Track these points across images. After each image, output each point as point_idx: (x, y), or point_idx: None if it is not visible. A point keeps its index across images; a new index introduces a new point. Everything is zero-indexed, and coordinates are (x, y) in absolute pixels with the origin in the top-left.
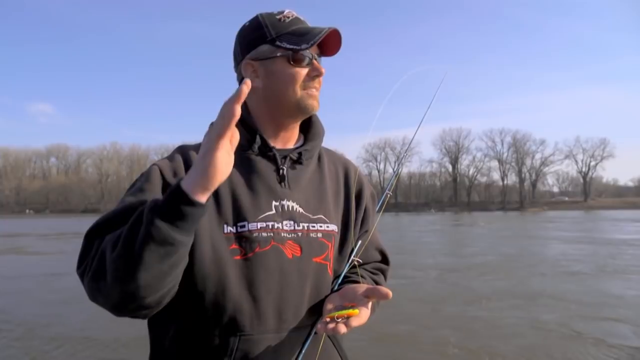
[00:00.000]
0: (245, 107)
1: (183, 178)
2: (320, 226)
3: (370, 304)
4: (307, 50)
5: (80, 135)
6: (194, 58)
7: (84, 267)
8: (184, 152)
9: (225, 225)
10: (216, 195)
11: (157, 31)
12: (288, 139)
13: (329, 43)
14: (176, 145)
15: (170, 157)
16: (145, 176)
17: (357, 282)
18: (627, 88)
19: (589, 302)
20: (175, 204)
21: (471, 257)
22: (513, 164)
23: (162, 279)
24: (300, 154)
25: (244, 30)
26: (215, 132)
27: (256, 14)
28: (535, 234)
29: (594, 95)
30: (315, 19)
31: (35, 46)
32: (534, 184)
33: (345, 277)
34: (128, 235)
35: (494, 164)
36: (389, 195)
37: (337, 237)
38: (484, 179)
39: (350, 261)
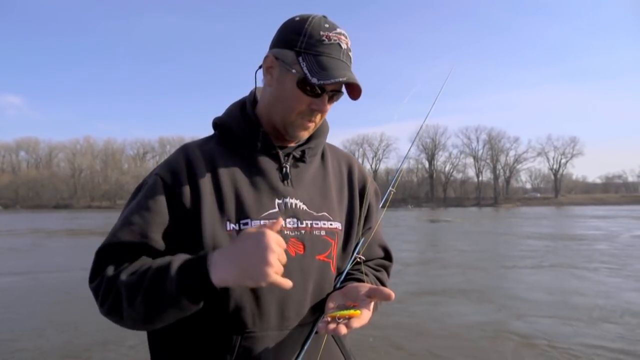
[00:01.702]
0: (252, 101)
1: (217, 266)
2: (324, 224)
3: (372, 304)
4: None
5: (52, 128)
6: (172, 52)
7: (98, 292)
8: (187, 153)
9: (227, 223)
10: (219, 192)
11: (133, 24)
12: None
13: (351, 86)
14: (153, 141)
15: (172, 161)
16: (148, 190)
17: (360, 279)
18: (596, 88)
19: (511, 297)
20: (202, 293)
21: (419, 253)
22: (488, 160)
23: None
24: (303, 151)
25: (289, 24)
26: (264, 269)
27: (310, 16)
28: (498, 230)
29: (565, 94)
30: (280, 17)
31: (3, 37)
32: (507, 181)
33: (348, 274)
34: (148, 297)
35: (470, 160)
36: (392, 192)
37: (341, 235)
38: (459, 176)
39: (353, 258)
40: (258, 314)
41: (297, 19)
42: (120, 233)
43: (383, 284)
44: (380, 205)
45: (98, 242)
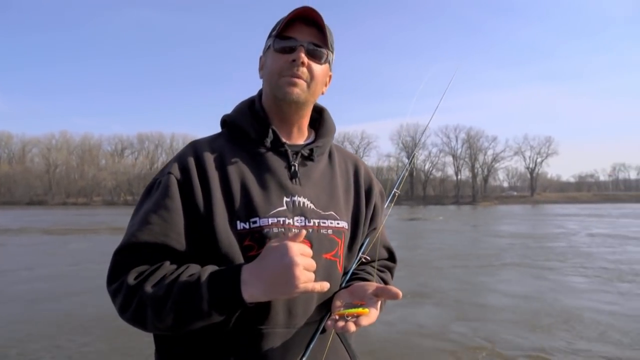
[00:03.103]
0: (259, 100)
1: (247, 283)
2: (331, 222)
3: (379, 303)
4: (293, 39)
5: (25, 123)
6: (150, 48)
7: (117, 297)
8: (197, 149)
9: (238, 222)
10: (228, 190)
11: (111, 19)
12: (299, 135)
13: (312, 25)
14: (131, 137)
15: (183, 158)
16: (164, 189)
17: (365, 279)
18: (568, 89)
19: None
20: (234, 309)
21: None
22: (467, 159)
23: None
24: (311, 150)
25: None
26: (292, 283)
27: None
28: (466, 229)
29: (539, 94)
30: (254, 15)
31: None
32: (485, 179)
33: (353, 273)
34: (178, 310)
35: (449, 159)
36: (397, 194)
37: (347, 234)
38: (439, 174)
39: (358, 258)
40: (266, 311)
41: None
42: (140, 233)
43: (386, 285)
44: (385, 206)
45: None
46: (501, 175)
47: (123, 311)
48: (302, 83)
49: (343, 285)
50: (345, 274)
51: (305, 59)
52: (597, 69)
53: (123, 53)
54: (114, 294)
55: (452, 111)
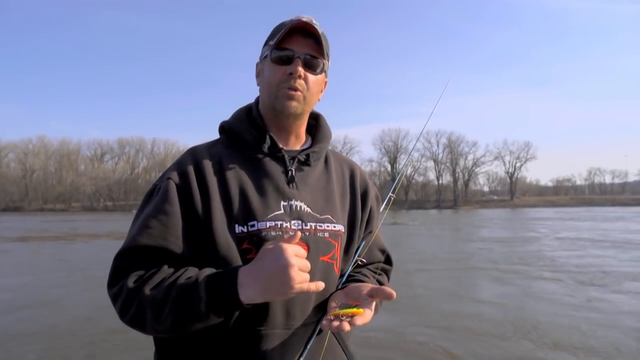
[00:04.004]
0: (256, 107)
1: (244, 285)
2: (328, 226)
3: (373, 303)
4: (290, 50)
5: (1, 127)
6: (130, 52)
7: (117, 301)
8: (196, 155)
9: (236, 225)
10: (227, 194)
11: (88, 21)
12: (296, 141)
13: (309, 36)
14: (111, 141)
15: (182, 164)
16: (163, 194)
17: (361, 281)
18: (545, 94)
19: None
20: (231, 311)
21: None
22: (448, 164)
23: None
24: (308, 155)
25: None
26: (288, 284)
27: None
28: (443, 232)
29: (518, 99)
30: (237, 20)
31: None
32: (466, 184)
33: (349, 276)
34: (176, 313)
35: (430, 164)
36: (392, 198)
37: (344, 237)
38: (420, 179)
39: (354, 261)
40: (264, 312)
41: None
42: (139, 237)
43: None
44: (381, 210)
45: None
46: (482, 179)
47: (123, 314)
48: (299, 95)
49: (339, 287)
50: (341, 276)
51: (302, 72)
52: (572, 74)
53: (102, 58)
54: (114, 298)
55: (433, 116)
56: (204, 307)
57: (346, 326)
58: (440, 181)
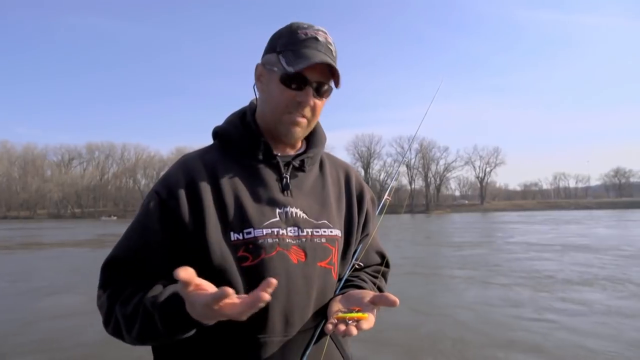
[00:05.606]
0: (251, 110)
1: (192, 306)
2: (324, 231)
3: (375, 310)
4: (303, 76)
5: None
6: (98, 56)
7: (101, 312)
8: (187, 165)
9: (232, 233)
10: (221, 202)
11: (56, 24)
12: (290, 147)
13: (333, 72)
14: (80, 146)
15: (170, 175)
16: (145, 208)
17: (359, 286)
18: (513, 101)
19: None
20: (190, 329)
21: None
22: (420, 169)
23: None
24: (302, 161)
25: (274, 33)
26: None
27: (291, 22)
28: (404, 237)
29: (485, 106)
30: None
31: None
32: (438, 188)
33: (347, 280)
34: (143, 332)
35: (403, 169)
36: (388, 200)
37: (341, 242)
38: (393, 183)
39: (351, 265)
40: (263, 320)
41: (283, 27)
42: (119, 249)
43: (381, 291)
44: (377, 213)
45: None
46: (453, 184)
47: (106, 325)
48: (304, 122)
49: (337, 292)
50: (339, 281)
51: (312, 101)
52: (532, 82)
53: (71, 64)
54: (99, 308)
55: (405, 122)
56: (162, 329)
57: (353, 330)
58: (413, 186)
